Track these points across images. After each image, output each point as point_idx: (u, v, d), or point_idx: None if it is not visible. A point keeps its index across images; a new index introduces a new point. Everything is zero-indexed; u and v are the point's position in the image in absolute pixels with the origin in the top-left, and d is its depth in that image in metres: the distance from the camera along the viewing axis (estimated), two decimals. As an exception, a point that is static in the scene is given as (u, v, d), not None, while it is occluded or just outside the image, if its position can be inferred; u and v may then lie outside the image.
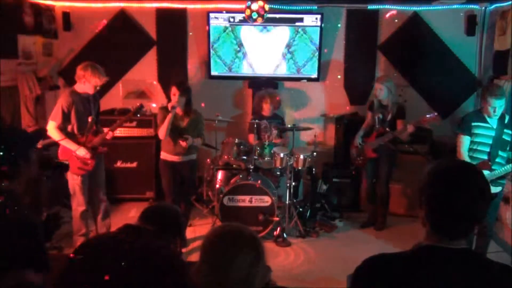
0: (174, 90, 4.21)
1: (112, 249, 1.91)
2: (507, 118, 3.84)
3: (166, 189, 4.45)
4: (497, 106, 3.72)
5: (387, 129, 4.61)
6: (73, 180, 4.06)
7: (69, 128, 3.99)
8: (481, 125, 3.87)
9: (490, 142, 3.84)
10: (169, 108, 4.21)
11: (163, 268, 1.89)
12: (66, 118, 3.93)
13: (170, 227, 2.21)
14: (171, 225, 2.22)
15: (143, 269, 1.86)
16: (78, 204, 4.10)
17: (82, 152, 3.97)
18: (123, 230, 2.06)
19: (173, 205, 2.72)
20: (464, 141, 3.90)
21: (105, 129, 4.18)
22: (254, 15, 5.02)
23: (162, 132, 4.24)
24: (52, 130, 3.93)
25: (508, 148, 3.83)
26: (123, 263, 1.85)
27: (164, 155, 4.41)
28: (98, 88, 4.03)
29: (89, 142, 4.05)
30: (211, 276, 1.48)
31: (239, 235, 1.55)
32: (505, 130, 3.81)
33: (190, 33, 5.88)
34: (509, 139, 3.82)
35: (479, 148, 3.90)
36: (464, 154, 3.90)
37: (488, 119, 3.84)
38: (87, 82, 3.94)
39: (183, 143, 4.25)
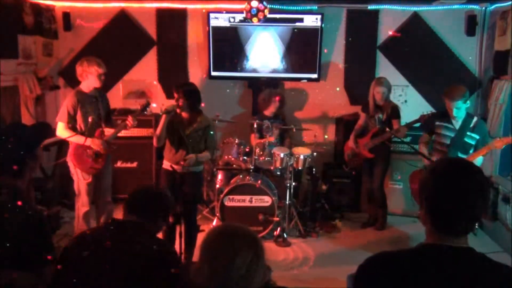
0: (175, 93, 3.82)
1: (99, 246, 1.91)
2: (473, 121, 3.84)
3: None
4: (454, 108, 3.78)
5: (387, 128, 4.62)
6: (82, 180, 4.06)
7: (78, 128, 4.00)
8: (443, 125, 3.95)
9: (449, 142, 3.89)
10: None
11: (151, 261, 1.89)
12: (71, 118, 3.95)
13: (156, 212, 2.20)
14: (157, 210, 2.21)
15: (132, 263, 1.87)
16: (82, 204, 4.10)
17: (96, 143, 3.96)
18: (109, 225, 2.06)
19: (155, 187, 2.66)
20: (423, 137, 4.20)
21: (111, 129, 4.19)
22: (254, 15, 5.04)
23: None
24: (62, 130, 3.94)
25: (471, 151, 3.82)
26: (111, 260, 1.85)
27: (165, 164, 3.97)
28: (102, 77, 4.01)
29: (101, 138, 4.06)
30: (211, 275, 1.48)
31: (238, 234, 1.55)
32: (469, 133, 3.82)
33: (190, 33, 5.88)
34: (472, 142, 3.82)
35: (437, 147, 4.00)
36: (422, 148, 4.11)
37: (453, 120, 3.88)
38: (89, 75, 3.95)
39: (184, 164, 3.78)
